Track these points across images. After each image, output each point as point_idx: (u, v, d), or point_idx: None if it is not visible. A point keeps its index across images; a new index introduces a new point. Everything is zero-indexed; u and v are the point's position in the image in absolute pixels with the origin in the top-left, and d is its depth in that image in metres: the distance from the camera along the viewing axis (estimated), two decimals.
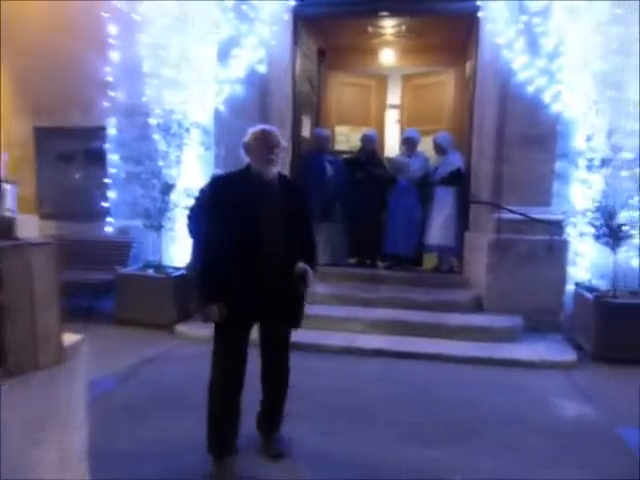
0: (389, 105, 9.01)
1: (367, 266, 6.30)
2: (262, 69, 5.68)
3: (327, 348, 4.63)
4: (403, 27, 6.87)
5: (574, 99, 5.32)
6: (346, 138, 8.57)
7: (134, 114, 5.47)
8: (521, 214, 5.20)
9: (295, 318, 2.82)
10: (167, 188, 5.22)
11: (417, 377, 4.16)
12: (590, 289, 4.95)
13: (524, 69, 5.25)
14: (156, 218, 5.31)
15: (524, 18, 5.24)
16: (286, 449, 2.94)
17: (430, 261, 6.34)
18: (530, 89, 5.25)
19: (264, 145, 2.71)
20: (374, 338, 4.84)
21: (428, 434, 3.24)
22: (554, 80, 5.22)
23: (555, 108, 5.24)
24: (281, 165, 5.92)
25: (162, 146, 5.33)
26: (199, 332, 5.00)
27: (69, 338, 2.17)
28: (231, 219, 2.58)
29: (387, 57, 7.93)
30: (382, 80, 8.59)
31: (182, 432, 3.15)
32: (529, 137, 5.31)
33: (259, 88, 5.68)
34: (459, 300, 5.39)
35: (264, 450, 2.94)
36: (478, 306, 5.39)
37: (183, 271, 5.31)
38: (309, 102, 6.84)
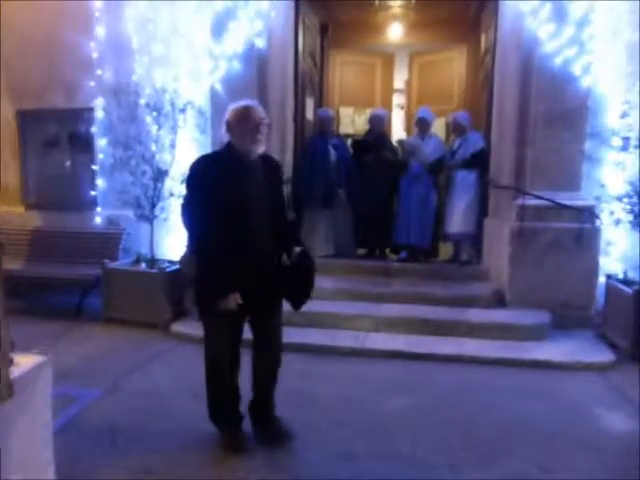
0: (395, 90, 8.52)
1: (377, 258, 5.85)
2: (261, 44, 5.17)
3: (336, 350, 4.20)
4: None
5: (605, 72, 4.83)
6: (350, 120, 8.10)
7: (122, 94, 4.97)
8: (548, 199, 4.74)
9: (295, 297, 2.74)
10: (159, 175, 4.75)
11: (439, 383, 3.73)
12: (626, 282, 4.50)
13: (551, 39, 4.74)
14: (148, 207, 4.84)
15: None
16: (289, 428, 2.88)
17: (446, 251, 5.88)
18: (557, 61, 4.74)
19: (248, 123, 2.56)
20: (388, 338, 4.41)
21: (458, 454, 2.81)
22: (584, 50, 4.71)
23: (585, 82, 4.74)
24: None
25: (153, 129, 4.84)
26: (196, 332, 4.56)
27: (25, 361, 1.73)
28: (217, 204, 2.48)
29: (394, 33, 7.40)
30: (388, 58, 8.08)
31: (178, 458, 2.72)
32: (556, 114, 4.82)
33: (258, 65, 5.19)
34: (479, 294, 4.95)
35: (262, 438, 2.83)
36: (500, 301, 4.94)
37: (178, 265, 4.86)
38: (312, 81, 6.34)
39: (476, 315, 4.60)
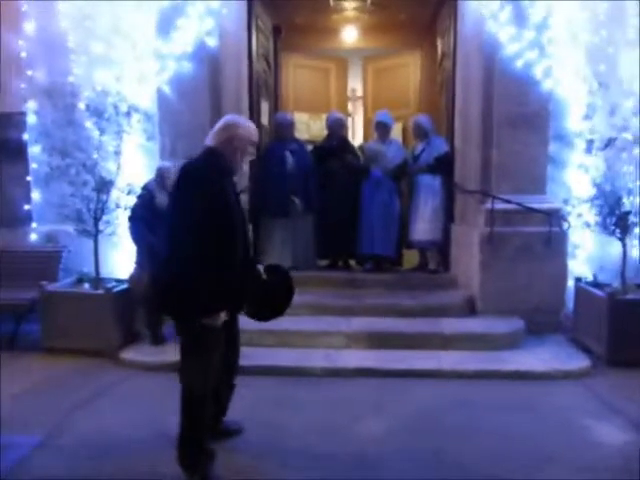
0: (350, 96, 8.36)
1: (341, 269, 5.58)
2: (212, 43, 4.82)
3: (307, 371, 3.88)
4: (368, 0, 6.16)
5: (566, 75, 4.80)
6: (306, 126, 7.83)
7: (57, 95, 4.48)
8: (516, 203, 4.63)
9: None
10: (103, 185, 4.28)
11: (416, 402, 3.48)
12: (596, 285, 4.44)
13: (511, 42, 4.66)
14: (91, 222, 4.35)
15: None
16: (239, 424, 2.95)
17: (411, 259, 5.69)
18: (519, 64, 4.67)
19: (250, 143, 2.54)
20: (360, 354, 4.13)
21: None
22: (544, 54, 4.66)
23: (546, 85, 4.69)
24: None
25: (95, 134, 4.37)
26: (150, 358, 4.14)
27: None
28: (222, 220, 2.38)
29: (348, 37, 7.24)
30: (342, 63, 7.90)
31: None
32: (519, 117, 4.73)
33: (210, 65, 4.83)
34: (450, 303, 4.77)
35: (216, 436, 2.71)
36: (471, 309, 4.79)
37: (127, 284, 4.39)
38: (266, 84, 6.03)
39: (449, 326, 4.40)
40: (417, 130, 5.42)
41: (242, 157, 2.53)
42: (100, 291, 4.25)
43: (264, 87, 5.92)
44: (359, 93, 8.71)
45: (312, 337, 4.26)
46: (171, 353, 4.19)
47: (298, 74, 7.60)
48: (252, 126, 2.57)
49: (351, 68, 7.95)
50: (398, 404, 3.45)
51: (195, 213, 2.32)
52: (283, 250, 5.35)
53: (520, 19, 4.64)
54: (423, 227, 5.25)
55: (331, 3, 6.27)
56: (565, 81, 4.78)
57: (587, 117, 4.61)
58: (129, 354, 4.21)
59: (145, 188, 4.31)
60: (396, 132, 6.97)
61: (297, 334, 4.23)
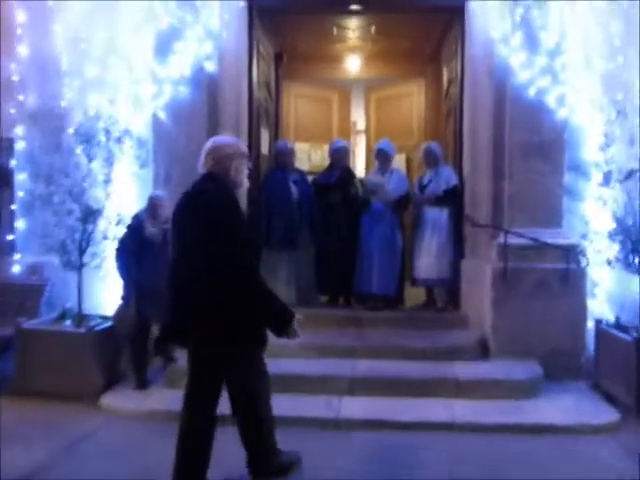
0: (351, 129, 8.18)
1: (342, 306, 5.25)
2: (211, 67, 4.61)
3: (307, 422, 3.51)
4: (372, 28, 6.02)
5: (581, 103, 4.58)
6: (307, 156, 7.62)
7: (45, 120, 4.23)
8: (531, 238, 4.34)
9: None
10: (89, 214, 3.99)
11: (432, 460, 3.11)
12: (620, 327, 4.11)
13: (523, 68, 4.46)
14: (75, 253, 4.05)
15: (520, 10, 4.47)
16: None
17: (414, 295, 5.35)
18: (531, 91, 4.45)
19: (242, 157, 2.56)
20: (365, 403, 3.76)
21: None
22: (557, 81, 4.46)
23: (561, 113, 4.46)
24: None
25: (84, 160, 4.11)
26: (133, 404, 3.77)
27: None
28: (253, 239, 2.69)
29: (351, 66, 7.08)
30: (344, 92, 7.74)
31: None
32: (532, 146, 4.49)
33: (208, 90, 4.61)
34: (462, 344, 4.42)
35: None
36: (484, 351, 4.44)
37: (111, 322, 4.05)
38: (267, 112, 5.82)
39: (462, 371, 4.04)
40: (429, 157, 5.12)
41: (238, 173, 2.51)
42: (81, 329, 3.90)
43: (265, 115, 5.70)
44: (360, 126, 8.52)
45: (313, 382, 3.90)
46: (157, 398, 3.86)
47: (299, 103, 7.43)
48: (236, 140, 2.60)
49: (353, 97, 7.79)
50: (410, 464, 3.06)
51: (239, 236, 2.36)
52: (288, 286, 5.02)
53: (532, 44, 4.45)
54: (429, 263, 4.92)
55: (334, 31, 6.11)
56: (580, 109, 4.55)
57: (605, 147, 4.36)
58: (110, 399, 3.83)
59: (135, 218, 4.02)
60: (399, 162, 6.76)
61: (296, 378, 3.87)
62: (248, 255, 2.36)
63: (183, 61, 4.55)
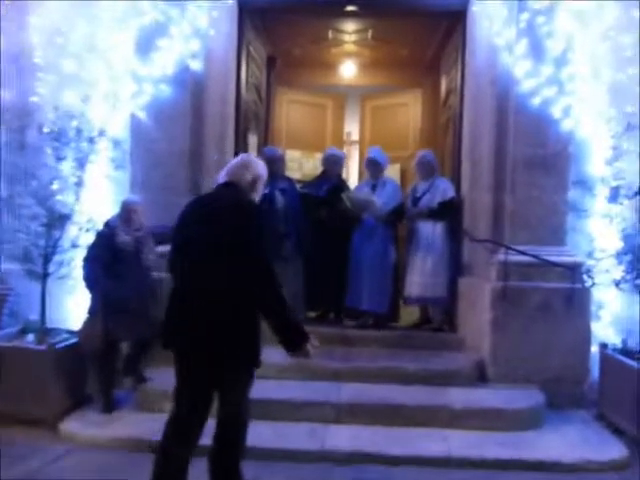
0: (345, 139, 7.91)
1: (332, 322, 4.93)
2: (197, 66, 4.33)
3: (288, 454, 3.17)
4: (369, 33, 5.79)
5: (588, 115, 4.34)
6: (298, 165, 7.34)
7: (16, 117, 3.92)
8: (533, 255, 4.07)
9: None
10: (56, 219, 3.66)
11: None
12: (627, 352, 3.82)
13: (528, 77, 4.21)
14: (40, 261, 3.71)
15: (525, 16, 4.23)
16: None
17: (409, 315, 5.05)
18: (536, 101, 4.20)
19: (264, 181, 2.62)
20: (353, 432, 3.44)
21: None
22: (563, 91, 4.21)
23: (566, 125, 4.21)
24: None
25: (52, 161, 3.79)
26: (97, 431, 3.41)
27: None
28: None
29: (346, 72, 6.84)
30: (339, 100, 7.49)
31: None
32: (536, 159, 4.23)
33: (192, 90, 4.32)
34: (458, 368, 4.11)
35: None
36: (481, 375, 4.13)
37: (77, 338, 3.70)
38: (256, 117, 5.54)
39: (458, 398, 3.73)
40: (424, 167, 4.82)
41: (258, 196, 2.57)
42: (42, 346, 3.55)
43: (254, 119, 5.43)
44: (354, 136, 8.24)
45: (296, 408, 3.57)
46: (125, 423, 3.51)
47: (292, 109, 7.16)
48: (264, 166, 2.61)
49: (348, 105, 7.55)
50: None
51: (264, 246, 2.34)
52: None
53: (537, 52, 4.21)
54: (423, 282, 4.61)
55: (330, 35, 5.87)
56: (587, 121, 4.31)
57: (612, 161, 4.11)
58: (73, 424, 3.47)
59: (106, 225, 3.69)
60: (393, 173, 6.50)
61: (275, 404, 3.53)
62: (274, 270, 2.32)
63: (167, 59, 4.26)
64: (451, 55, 5.32)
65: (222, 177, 2.52)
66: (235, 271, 2.24)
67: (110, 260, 3.57)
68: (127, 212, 3.65)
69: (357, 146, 7.94)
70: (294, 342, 2.37)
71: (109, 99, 4.26)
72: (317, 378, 3.95)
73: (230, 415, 2.45)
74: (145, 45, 4.26)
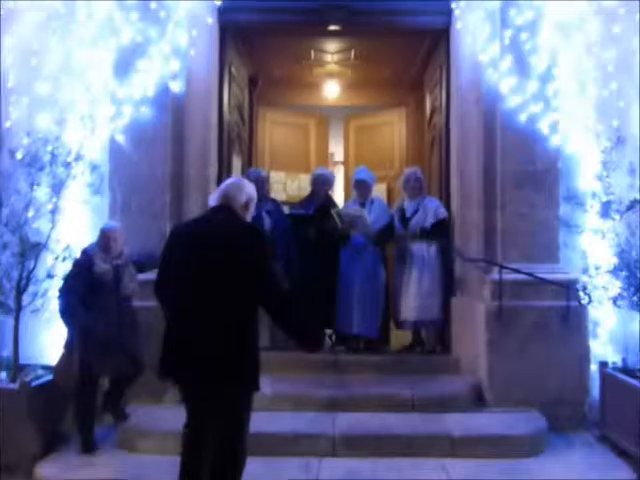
0: (331, 161, 7.85)
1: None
2: (177, 87, 4.21)
3: None
4: (352, 52, 5.75)
5: (575, 131, 4.31)
6: (282, 186, 7.23)
7: None
8: (527, 273, 3.98)
9: None
10: (30, 248, 3.46)
11: None
12: (627, 371, 3.73)
13: (514, 93, 4.19)
14: (13, 293, 3.49)
15: (508, 32, 4.22)
16: None
17: (399, 337, 4.90)
18: (522, 117, 4.17)
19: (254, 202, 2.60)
20: (349, 465, 3.25)
21: None
22: (550, 107, 4.19)
23: (554, 141, 4.18)
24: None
25: (25, 187, 3.61)
26: (76, 474, 3.17)
27: None
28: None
29: (329, 92, 6.79)
30: (322, 120, 7.44)
31: None
32: (525, 176, 4.19)
33: (173, 112, 4.19)
34: (455, 393, 3.97)
35: None
36: (479, 399, 4.00)
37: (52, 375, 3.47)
38: (239, 138, 5.43)
39: (456, 425, 3.57)
40: (414, 184, 4.68)
41: (249, 217, 2.53)
42: (14, 385, 3.31)
43: (237, 141, 5.31)
44: (338, 157, 8.18)
45: (289, 442, 3.38)
46: (106, 464, 3.28)
47: (275, 130, 7.08)
48: (252, 186, 2.60)
49: (332, 126, 7.49)
50: None
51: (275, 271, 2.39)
52: (261, 327, 4.50)
53: (522, 68, 4.19)
54: (419, 305, 4.47)
55: (312, 55, 5.81)
56: (575, 137, 4.28)
57: (601, 177, 4.07)
58: (49, 468, 3.22)
59: (84, 253, 3.50)
60: (379, 193, 6.41)
61: (265, 438, 3.33)
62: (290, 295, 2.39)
63: (146, 80, 4.14)
64: (434, 73, 5.29)
65: (214, 200, 2.47)
66: (246, 299, 2.23)
67: (88, 290, 3.37)
68: (105, 239, 3.47)
69: (341, 167, 7.89)
70: (313, 345, 2.47)
71: (86, 122, 4.10)
72: (310, 408, 3.77)
73: (229, 448, 2.34)
74: (123, 66, 4.14)
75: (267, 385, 3.85)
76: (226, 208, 2.41)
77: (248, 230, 2.38)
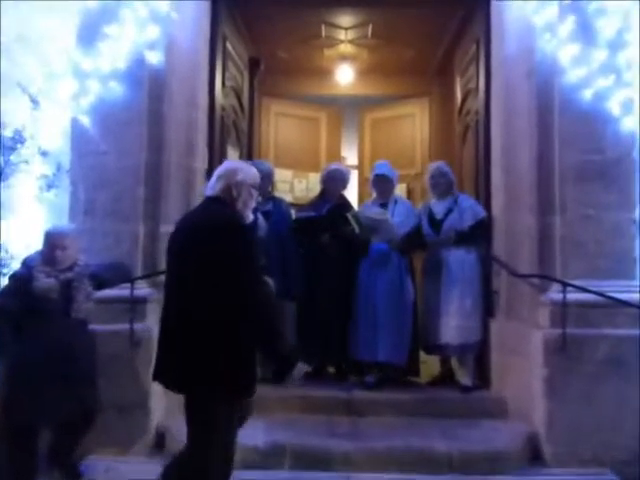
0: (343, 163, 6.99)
1: (331, 380, 3.90)
2: (156, 59, 3.40)
3: None
4: (369, 28, 4.91)
5: None
6: (289, 186, 6.42)
7: None
8: (597, 293, 3.11)
9: None
10: None
11: None
12: None
13: (576, 64, 3.33)
14: None
15: None
16: None
17: (426, 368, 4.03)
18: (587, 94, 3.32)
19: (251, 188, 2.28)
20: None
21: None
22: (621, 81, 3.33)
23: (627, 123, 3.31)
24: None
25: None
26: None
27: None
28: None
29: (342, 79, 5.95)
30: (335, 112, 6.62)
31: None
32: (590, 168, 3.33)
33: (150, 89, 3.40)
34: (503, 446, 3.08)
35: None
36: (535, 455, 3.12)
37: None
38: (237, 127, 4.61)
39: None
40: (443, 181, 3.86)
41: (245, 206, 2.25)
42: None
43: (233, 130, 4.49)
44: (351, 160, 7.27)
45: None
46: None
47: (281, 123, 6.29)
48: (251, 169, 2.34)
49: (345, 118, 6.66)
50: None
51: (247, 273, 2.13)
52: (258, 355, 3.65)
53: (587, 33, 3.33)
54: (454, 324, 3.60)
55: (323, 31, 4.98)
56: None
57: None
58: None
59: (23, 264, 2.69)
60: (400, 193, 5.59)
61: None
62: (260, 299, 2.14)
63: (117, 49, 3.35)
64: (469, 50, 4.43)
65: (207, 189, 2.28)
66: (216, 301, 2.06)
67: (25, 313, 2.56)
68: (50, 247, 2.65)
69: (355, 169, 7.02)
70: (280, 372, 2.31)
71: (42, 102, 3.31)
72: (317, 465, 2.92)
73: (189, 455, 2.10)
74: (89, 33, 3.36)
75: (259, 432, 3.03)
76: (216, 199, 2.22)
77: (215, 228, 2.12)
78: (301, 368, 2.02)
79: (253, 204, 2.28)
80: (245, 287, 2.05)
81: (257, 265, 2.19)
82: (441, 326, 3.67)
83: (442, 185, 3.89)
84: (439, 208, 3.90)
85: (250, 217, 2.27)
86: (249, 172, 2.28)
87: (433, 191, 3.98)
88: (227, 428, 2.09)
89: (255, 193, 2.29)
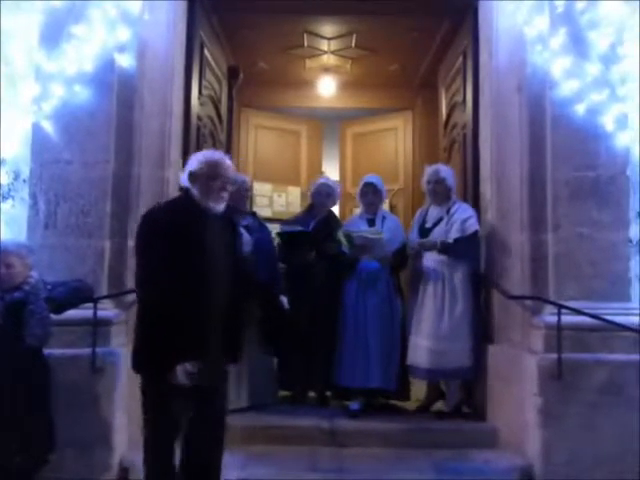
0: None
1: (312, 406, 3.65)
2: (126, 62, 3.18)
3: None
4: (353, 39, 4.76)
5: None
6: (268, 201, 6.21)
7: None
8: (593, 316, 2.95)
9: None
10: None
11: None
12: None
13: (569, 77, 3.22)
14: None
15: (561, 1, 3.28)
16: None
17: (414, 391, 3.80)
18: (580, 109, 3.20)
19: (209, 179, 2.26)
20: None
21: None
22: (615, 96, 3.22)
23: (622, 140, 3.20)
24: None
25: None
26: None
27: None
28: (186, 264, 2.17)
29: (324, 91, 5.80)
30: (316, 125, 6.46)
31: None
32: (585, 185, 3.20)
33: (120, 94, 3.16)
34: None
35: None
36: None
37: None
38: (213, 137, 4.38)
39: None
40: (437, 187, 3.60)
41: (209, 196, 2.23)
42: None
43: (210, 140, 4.26)
44: (332, 174, 7.01)
45: None
46: None
47: (260, 136, 6.10)
48: (214, 159, 2.29)
49: (326, 132, 6.50)
50: None
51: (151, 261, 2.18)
52: (236, 381, 3.37)
53: (579, 46, 3.23)
54: (428, 347, 3.35)
55: (305, 41, 4.81)
56: None
57: None
58: None
59: None
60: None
61: None
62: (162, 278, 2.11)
63: (83, 51, 3.12)
64: (455, 62, 4.31)
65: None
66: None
67: None
68: None
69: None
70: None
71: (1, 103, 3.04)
72: None
73: None
74: (54, 32, 3.13)
75: (234, 467, 2.76)
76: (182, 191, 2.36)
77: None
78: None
79: (217, 195, 2.24)
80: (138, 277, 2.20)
81: (151, 261, 2.17)
82: (409, 346, 3.45)
83: (439, 194, 3.62)
84: (432, 215, 3.66)
85: (216, 209, 2.25)
86: (206, 162, 2.26)
87: (429, 197, 3.73)
88: (159, 407, 2.15)
89: (219, 185, 2.25)
